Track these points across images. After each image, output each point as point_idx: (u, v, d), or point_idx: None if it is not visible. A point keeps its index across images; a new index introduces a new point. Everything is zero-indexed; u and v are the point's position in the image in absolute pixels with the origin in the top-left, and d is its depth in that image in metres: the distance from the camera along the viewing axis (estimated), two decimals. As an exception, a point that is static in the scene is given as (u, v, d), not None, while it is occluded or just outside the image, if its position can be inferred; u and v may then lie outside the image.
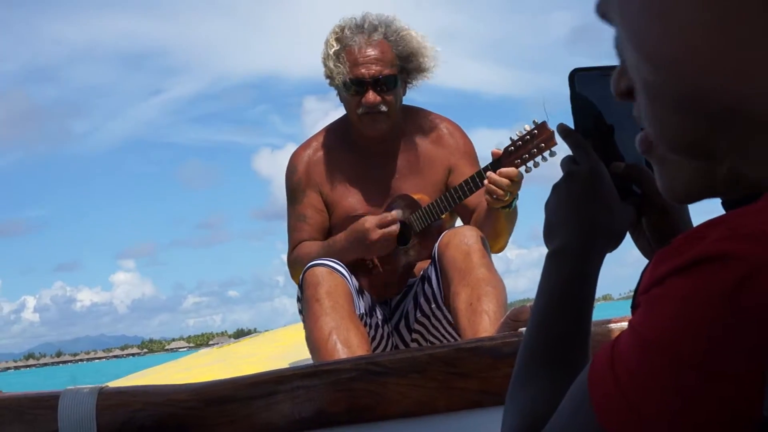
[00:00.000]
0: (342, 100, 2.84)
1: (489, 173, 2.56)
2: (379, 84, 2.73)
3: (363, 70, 2.71)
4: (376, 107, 2.73)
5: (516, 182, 2.52)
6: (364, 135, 2.82)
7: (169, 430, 1.52)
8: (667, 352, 0.58)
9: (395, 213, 2.73)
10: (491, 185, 2.53)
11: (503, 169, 2.53)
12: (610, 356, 0.63)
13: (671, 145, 0.65)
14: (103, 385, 1.59)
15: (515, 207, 2.65)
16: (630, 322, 0.64)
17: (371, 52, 2.73)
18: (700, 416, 0.56)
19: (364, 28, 2.76)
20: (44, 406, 1.53)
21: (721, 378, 0.55)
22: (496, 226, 2.67)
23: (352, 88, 2.73)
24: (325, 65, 2.77)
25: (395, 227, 2.71)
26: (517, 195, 2.62)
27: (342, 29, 2.77)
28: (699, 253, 0.58)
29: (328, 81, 2.81)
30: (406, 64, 2.78)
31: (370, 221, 2.70)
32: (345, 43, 2.74)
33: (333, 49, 2.74)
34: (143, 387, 1.58)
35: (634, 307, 0.68)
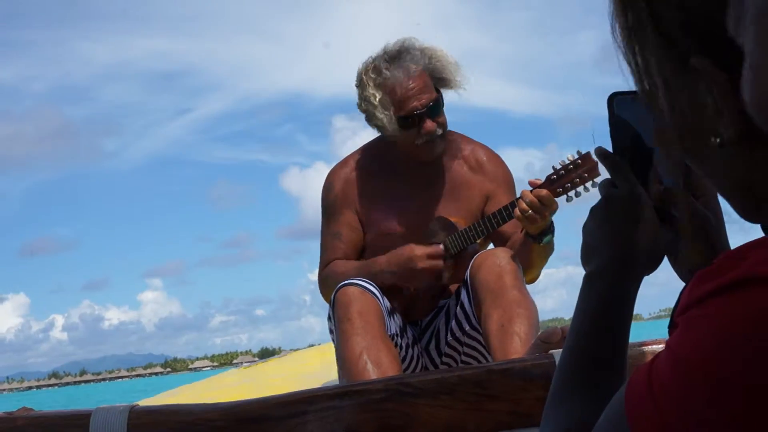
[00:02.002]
0: (391, 136, 2.78)
1: (523, 191, 2.57)
2: (432, 110, 2.72)
3: (415, 103, 2.69)
4: (434, 133, 2.73)
5: (546, 206, 2.52)
6: (420, 160, 2.80)
7: (199, 449, 1.52)
8: (705, 372, 0.58)
9: (442, 248, 2.73)
10: (521, 200, 2.54)
11: (537, 189, 2.53)
12: (648, 376, 0.63)
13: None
14: (134, 404, 1.59)
15: (550, 242, 2.65)
16: (668, 342, 0.64)
17: (415, 83, 2.69)
18: None
19: (396, 60, 2.72)
20: (76, 425, 1.55)
21: (757, 399, 0.55)
22: (528, 257, 2.67)
23: (408, 123, 2.71)
24: (372, 116, 2.72)
25: (441, 262, 2.71)
26: (553, 231, 2.63)
27: (378, 72, 2.70)
28: (739, 275, 0.58)
29: (369, 123, 2.76)
30: (438, 83, 2.77)
31: (419, 249, 2.69)
32: (386, 85, 2.69)
33: (377, 99, 2.68)
34: (174, 406, 1.59)
35: (671, 328, 0.67)
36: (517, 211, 2.55)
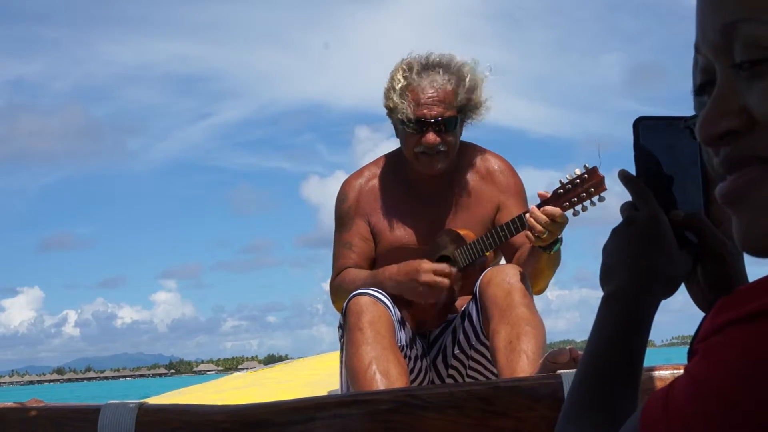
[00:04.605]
0: (399, 135, 2.85)
1: (532, 207, 2.57)
2: (440, 125, 2.74)
3: (425, 111, 2.73)
4: (435, 147, 2.75)
5: (558, 222, 2.53)
6: (419, 172, 2.83)
7: (206, 449, 1.53)
8: (720, 400, 0.58)
9: (454, 271, 2.72)
10: (531, 219, 2.54)
11: (548, 207, 2.54)
12: (665, 401, 0.63)
13: None
14: (143, 401, 1.60)
15: (558, 251, 2.65)
16: (686, 368, 0.64)
17: (434, 93, 2.74)
18: None
19: (429, 68, 2.77)
20: (84, 419, 1.55)
21: None
22: (536, 267, 2.67)
23: (412, 126, 2.74)
24: (388, 97, 2.79)
25: (447, 281, 2.69)
26: (561, 239, 2.63)
27: (410, 67, 2.78)
28: (762, 305, 0.58)
29: (387, 112, 2.83)
30: (465, 105, 2.79)
31: (427, 264, 2.70)
32: (410, 81, 2.75)
33: (399, 84, 2.75)
34: (183, 406, 1.60)
35: (691, 354, 0.68)
36: (529, 235, 2.56)
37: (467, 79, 2.79)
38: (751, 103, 0.65)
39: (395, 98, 2.75)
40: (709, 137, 0.68)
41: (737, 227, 0.69)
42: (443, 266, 2.70)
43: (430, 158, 2.77)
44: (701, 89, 0.74)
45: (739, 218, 0.69)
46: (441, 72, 2.77)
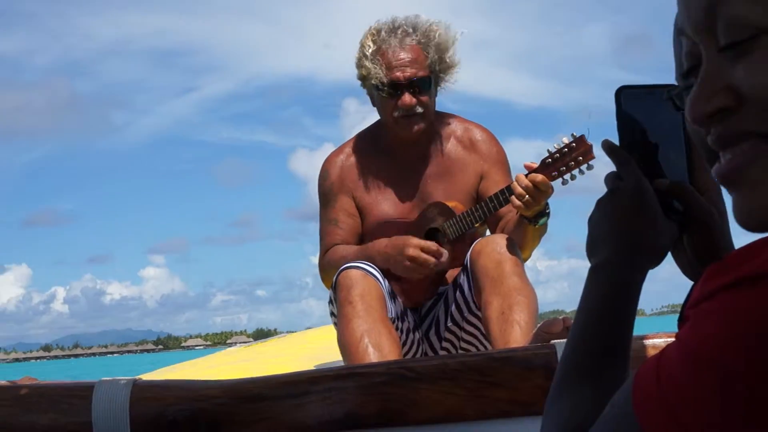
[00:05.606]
0: (375, 103, 2.85)
1: (518, 175, 2.58)
2: (414, 86, 2.75)
3: (398, 73, 2.73)
4: (413, 109, 2.75)
5: (541, 190, 2.52)
6: (400, 138, 2.83)
7: (200, 425, 1.53)
8: (712, 364, 0.58)
9: (444, 252, 2.72)
10: (514, 183, 2.56)
11: (532, 174, 2.54)
12: (656, 366, 0.64)
13: None
14: (137, 378, 1.60)
15: (545, 225, 2.66)
16: (677, 335, 0.64)
17: (405, 55, 2.75)
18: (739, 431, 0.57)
19: (397, 31, 2.78)
20: (78, 396, 1.55)
21: (763, 391, 0.56)
22: (522, 238, 2.68)
23: (387, 90, 2.74)
24: (361, 66, 2.80)
25: (432, 259, 2.69)
26: (548, 214, 2.63)
27: (378, 32, 2.79)
28: (751, 271, 0.58)
29: (361, 83, 2.84)
30: (437, 65, 2.80)
31: (415, 240, 2.70)
32: (380, 46, 2.76)
33: (370, 50, 2.76)
34: (176, 381, 1.60)
35: (681, 321, 0.68)
36: (513, 197, 2.56)
37: (437, 39, 2.79)
38: (737, 81, 0.66)
39: (367, 64, 2.76)
40: (700, 117, 0.69)
41: (735, 205, 0.70)
42: (431, 244, 2.70)
43: (408, 120, 2.77)
44: (689, 73, 0.75)
45: (737, 196, 0.69)
46: (410, 33, 2.78)
